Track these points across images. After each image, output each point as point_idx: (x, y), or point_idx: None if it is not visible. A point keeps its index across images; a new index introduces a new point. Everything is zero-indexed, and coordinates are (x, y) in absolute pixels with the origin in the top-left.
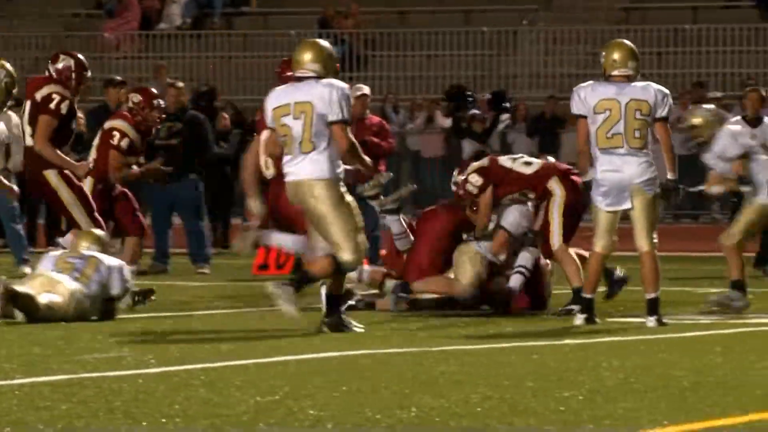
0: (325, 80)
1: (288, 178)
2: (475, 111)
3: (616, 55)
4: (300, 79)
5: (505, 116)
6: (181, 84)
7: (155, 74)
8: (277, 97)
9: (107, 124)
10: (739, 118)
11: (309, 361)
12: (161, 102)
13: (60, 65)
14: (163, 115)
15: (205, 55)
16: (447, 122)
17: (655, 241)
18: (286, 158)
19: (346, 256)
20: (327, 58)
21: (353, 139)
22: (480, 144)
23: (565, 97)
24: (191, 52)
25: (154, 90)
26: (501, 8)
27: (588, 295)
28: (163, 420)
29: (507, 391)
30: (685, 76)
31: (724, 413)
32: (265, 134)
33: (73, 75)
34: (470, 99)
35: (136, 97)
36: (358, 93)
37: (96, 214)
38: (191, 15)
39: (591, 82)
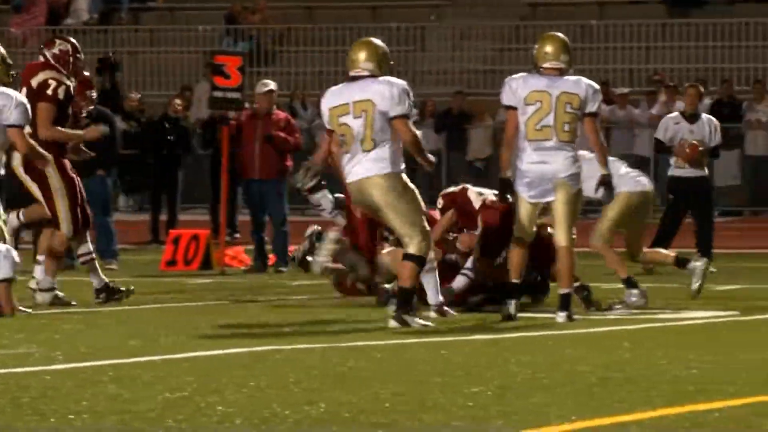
0: (381, 78)
1: (350, 179)
2: None
3: (548, 48)
4: (354, 79)
5: (413, 111)
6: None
7: None
8: (333, 97)
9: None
10: (677, 114)
11: (217, 357)
12: (94, 93)
13: (56, 50)
14: (91, 107)
15: (112, 50)
16: None
17: (574, 236)
18: (345, 158)
19: (413, 248)
20: (381, 57)
21: (416, 132)
22: None
23: (472, 92)
24: (98, 47)
25: (89, 78)
26: (408, 4)
27: (515, 281)
28: (71, 416)
29: (416, 386)
30: (592, 72)
31: (631, 408)
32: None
33: (71, 59)
34: None
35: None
36: (265, 89)
37: (78, 210)
38: (98, 10)
39: (523, 74)
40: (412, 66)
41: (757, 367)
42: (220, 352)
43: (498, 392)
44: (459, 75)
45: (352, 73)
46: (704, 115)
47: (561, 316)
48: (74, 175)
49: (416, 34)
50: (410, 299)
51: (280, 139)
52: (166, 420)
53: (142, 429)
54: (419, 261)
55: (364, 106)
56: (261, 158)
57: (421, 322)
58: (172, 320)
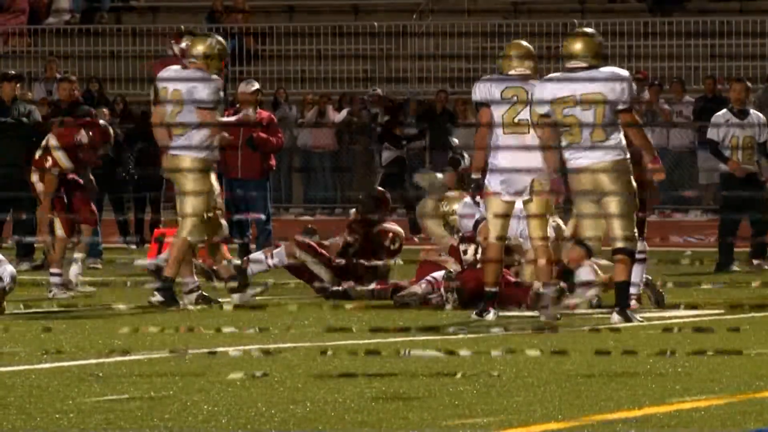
0: (606, 70)
1: (575, 163)
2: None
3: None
4: (572, 70)
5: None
6: (74, 78)
7: (45, 69)
8: (556, 88)
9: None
10: (726, 111)
11: (202, 355)
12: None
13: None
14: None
15: (94, 49)
16: (338, 117)
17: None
18: (566, 144)
19: (621, 243)
20: (597, 47)
21: (641, 122)
22: (398, 149)
23: (455, 91)
24: (80, 46)
25: (106, 128)
26: (391, 3)
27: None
28: (58, 415)
29: (401, 385)
30: None
31: (617, 407)
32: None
33: None
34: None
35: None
36: (251, 88)
37: None
38: (80, 10)
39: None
40: (394, 65)
41: (742, 366)
42: (205, 350)
43: (483, 391)
44: (442, 74)
45: (570, 65)
46: (752, 111)
47: (544, 315)
48: None
49: (398, 33)
50: (628, 293)
51: (261, 140)
52: (152, 418)
53: (128, 428)
54: (629, 252)
55: (593, 99)
56: (243, 158)
57: (639, 317)
58: (156, 319)
